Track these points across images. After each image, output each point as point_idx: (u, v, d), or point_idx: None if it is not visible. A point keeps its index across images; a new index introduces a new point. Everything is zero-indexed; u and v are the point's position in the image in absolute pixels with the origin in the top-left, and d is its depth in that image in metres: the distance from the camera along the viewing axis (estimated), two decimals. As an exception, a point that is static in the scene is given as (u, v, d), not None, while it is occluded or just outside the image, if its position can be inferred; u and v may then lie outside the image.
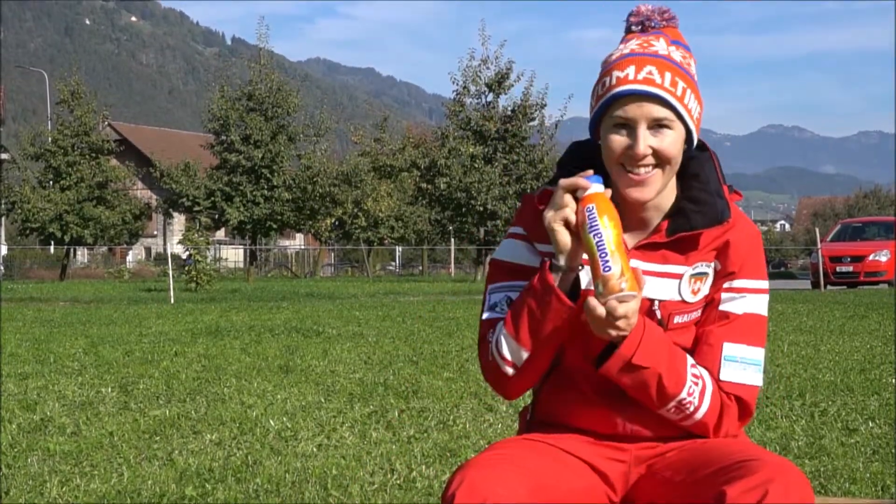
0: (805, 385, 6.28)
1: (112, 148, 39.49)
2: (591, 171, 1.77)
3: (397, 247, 46.48)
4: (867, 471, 3.95)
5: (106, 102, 45.98)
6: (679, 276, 1.89)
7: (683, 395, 1.83)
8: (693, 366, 1.85)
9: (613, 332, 1.73)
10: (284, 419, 5.35)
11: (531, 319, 1.82)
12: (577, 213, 1.75)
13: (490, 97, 34.59)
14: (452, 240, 37.59)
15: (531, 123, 34.63)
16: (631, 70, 1.80)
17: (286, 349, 9.00)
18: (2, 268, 39.62)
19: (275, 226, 37.55)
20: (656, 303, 1.87)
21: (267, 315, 13.97)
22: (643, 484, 1.90)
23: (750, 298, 1.91)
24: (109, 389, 6.57)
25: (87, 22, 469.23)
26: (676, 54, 1.85)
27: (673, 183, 1.91)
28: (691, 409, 1.84)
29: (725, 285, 1.90)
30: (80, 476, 4.11)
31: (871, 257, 23.02)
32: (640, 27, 1.89)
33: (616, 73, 1.82)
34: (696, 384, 1.84)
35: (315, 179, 36.80)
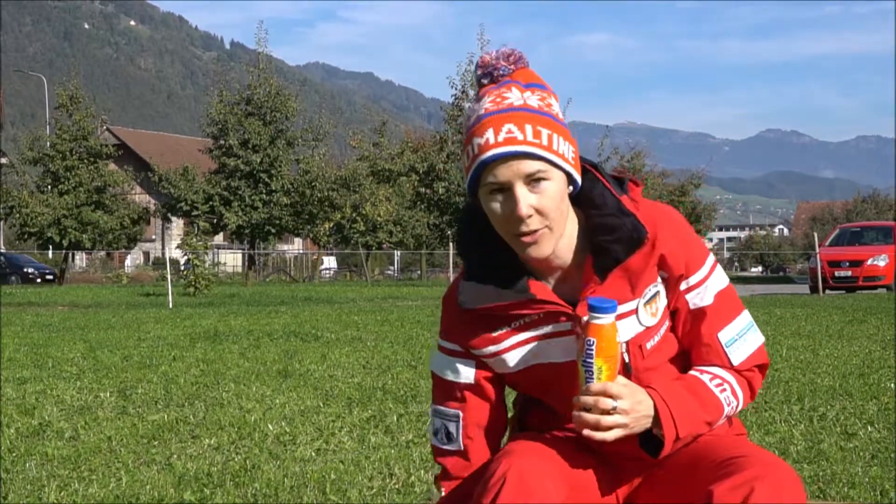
0: (804, 389, 6.28)
1: (110, 152, 39.52)
2: (601, 300, 1.72)
3: (396, 251, 46.47)
4: (866, 475, 3.95)
5: (104, 107, 46.05)
6: (633, 312, 1.85)
7: (726, 409, 1.85)
8: (711, 378, 1.86)
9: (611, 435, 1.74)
10: (283, 424, 5.34)
11: None
12: (578, 335, 1.77)
13: (489, 102, 34.67)
14: (451, 244, 37.56)
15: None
16: (490, 133, 1.72)
17: (285, 354, 9.00)
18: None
19: (273, 230, 37.57)
20: (623, 346, 1.83)
21: (265, 319, 13.97)
22: (643, 485, 1.92)
23: (710, 283, 1.89)
24: (108, 394, 6.57)
25: (86, 26, 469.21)
26: (533, 100, 1.76)
27: (571, 214, 1.84)
28: (734, 410, 1.88)
29: (683, 286, 1.88)
30: (79, 481, 4.11)
31: (869, 262, 23.04)
32: (489, 79, 1.80)
33: (477, 140, 1.74)
34: (725, 390, 1.85)
35: (313, 184, 36.82)
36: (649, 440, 1.82)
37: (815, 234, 24.22)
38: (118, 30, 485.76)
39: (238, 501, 3.78)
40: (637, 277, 1.83)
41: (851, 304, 16.25)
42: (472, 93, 34.33)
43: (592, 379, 1.71)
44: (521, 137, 1.71)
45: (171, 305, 19.26)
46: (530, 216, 1.73)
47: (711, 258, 1.91)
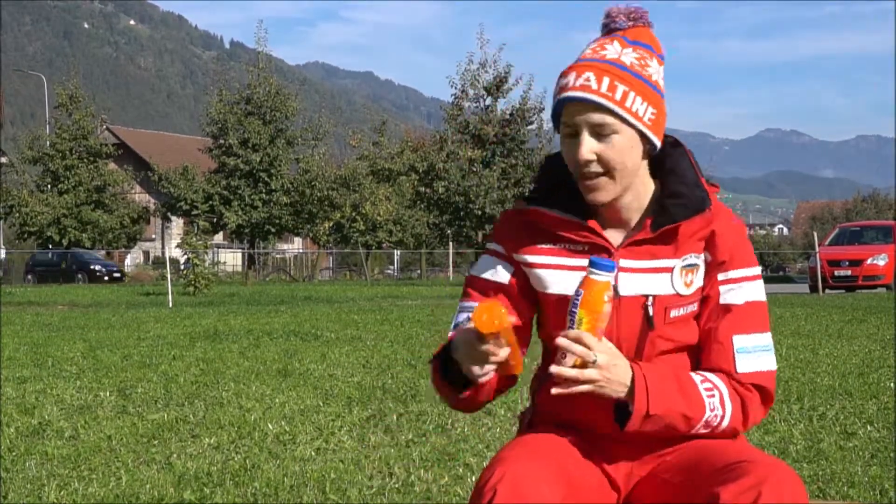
0: (803, 389, 6.28)
1: (110, 152, 39.56)
2: (606, 255, 1.83)
3: (395, 250, 46.50)
4: (865, 474, 3.95)
5: (104, 106, 46.12)
6: (670, 270, 1.89)
7: (708, 414, 1.83)
8: (703, 381, 1.85)
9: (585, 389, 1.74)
10: (283, 423, 5.34)
11: (442, 396, 1.93)
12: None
13: (488, 101, 34.67)
14: (451, 243, 37.58)
15: (529, 127, 34.72)
16: (571, 77, 1.83)
17: (284, 353, 9.00)
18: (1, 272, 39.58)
19: (273, 229, 37.60)
20: (650, 298, 1.88)
21: (265, 319, 13.97)
22: (643, 485, 1.91)
23: (747, 286, 1.91)
24: (108, 393, 6.57)
25: (86, 25, 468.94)
26: (628, 57, 1.85)
27: (649, 181, 1.93)
28: (717, 420, 1.85)
29: (720, 277, 1.90)
30: (79, 480, 4.11)
31: (869, 261, 23.04)
32: (605, 30, 1.91)
33: (560, 81, 1.86)
34: (713, 396, 1.84)
35: (313, 183, 36.85)
36: (624, 417, 1.82)
37: (815, 234, 24.22)
38: (118, 29, 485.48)
39: (238, 501, 3.78)
40: (684, 241, 1.89)
41: (851, 304, 16.25)
42: (471, 92, 34.47)
43: (573, 327, 1.73)
44: (594, 87, 1.80)
45: (170, 305, 19.25)
46: (591, 161, 1.82)
47: (758, 270, 1.95)
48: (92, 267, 38.94)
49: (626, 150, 1.83)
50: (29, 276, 39.38)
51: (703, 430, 1.85)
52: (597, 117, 1.80)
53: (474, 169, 33.74)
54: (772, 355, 1.91)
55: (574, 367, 1.71)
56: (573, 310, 1.74)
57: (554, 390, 1.73)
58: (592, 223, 1.91)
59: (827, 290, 22.57)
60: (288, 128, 37.19)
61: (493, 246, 2.02)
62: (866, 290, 22.77)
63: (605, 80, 1.80)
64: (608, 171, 1.83)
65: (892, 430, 4.88)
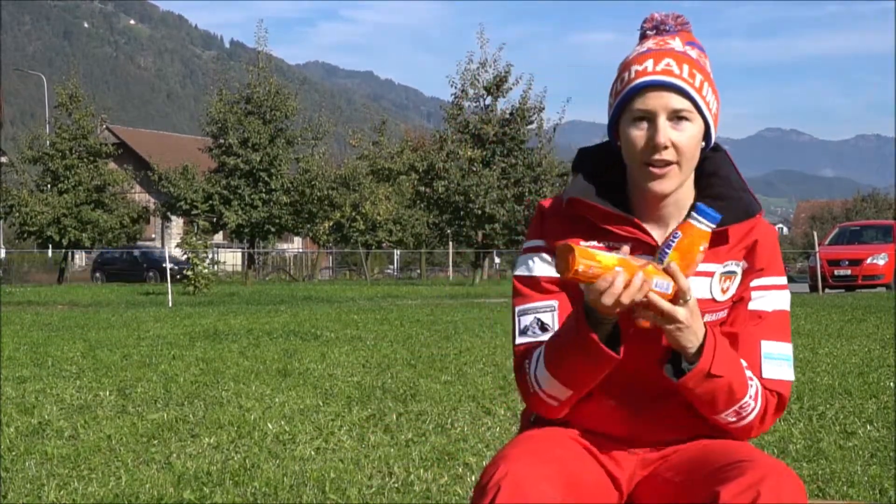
0: (803, 388, 6.28)
1: (110, 151, 39.48)
2: (711, 210, 1.77)
3: (395, 250, 46.47)
4: (865, 474, 3.95)
5: (104, 106, 45.99)
6: (710, 275, 1.88)
7: (745, 399, 1.83)
8: (745, 368, 1.86)
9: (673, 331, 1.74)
10: (282, 423, 5.35)
11: (577, 370, 1.81)
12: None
13: (488, 100, 34.65)
14: (451, 243, 37.56)
15: (529, 127, 34.69)
16: (650, 63, 1.83)
17: (284, 353, 9.00)
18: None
19: (273, 229, 37.55)
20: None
21: (265, 318, 13.97)
22: (644, 485, 1.91)
23: (777, 295, 1.93)
24: (107, 393, 6.57)
25: (86, 25, 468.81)
26: (692, 52, 1.87)
27: (691, 182, 1.91)
28: (747, 410, 1.85)
29: (754, 283, 1.91)
30: (78, 480, 4.11)
31: (868, 261, 23.05)
32: (654, 31, 1.91)
33: (635, 67, 1.84)
34: (752, 386, 1.85)
35: (313, 183, 36.81)
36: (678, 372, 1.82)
37: (815, 233, 24.25)
38: (118, 29, 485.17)
39: (237, 500, 3.78)
40: (727, 248, 1.89)
41: (851, 303, 16.25)
42: (471, 92, 34.44)
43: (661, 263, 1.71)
44: (677, 72, 1.81)
45: (170, 304, 19.26)
46: (667, 147, 1.80)
47: (786, 281, 1.97)
48: (164, 266, 38.96)
49: (695, 140, 1.83)
50: (97, 275, 39.40)
51: (731, 418, 1.84)
52: (678, 102, 1.81)
53: (474, 168, 33.72)
54: (792, 366, 1.92)
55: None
56: (665, 250, 1.72)
57: (637, 319, 1.72)
58: (636, 220, 1.90)
59: (827, 290, 22.58)
60: (288, 127, 37.14)
61: (533, 243, 1.96)
62: (866, 289, 22.77)
63: (686, 67, 1.82)
64: (678, 160, 1.82)
65: (891, 430, 4.88)
